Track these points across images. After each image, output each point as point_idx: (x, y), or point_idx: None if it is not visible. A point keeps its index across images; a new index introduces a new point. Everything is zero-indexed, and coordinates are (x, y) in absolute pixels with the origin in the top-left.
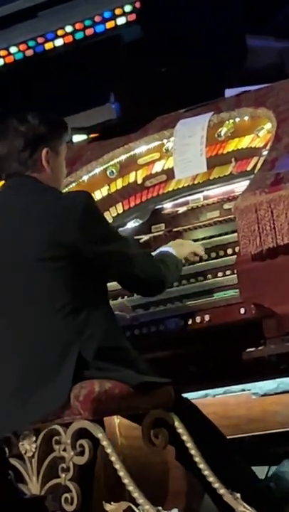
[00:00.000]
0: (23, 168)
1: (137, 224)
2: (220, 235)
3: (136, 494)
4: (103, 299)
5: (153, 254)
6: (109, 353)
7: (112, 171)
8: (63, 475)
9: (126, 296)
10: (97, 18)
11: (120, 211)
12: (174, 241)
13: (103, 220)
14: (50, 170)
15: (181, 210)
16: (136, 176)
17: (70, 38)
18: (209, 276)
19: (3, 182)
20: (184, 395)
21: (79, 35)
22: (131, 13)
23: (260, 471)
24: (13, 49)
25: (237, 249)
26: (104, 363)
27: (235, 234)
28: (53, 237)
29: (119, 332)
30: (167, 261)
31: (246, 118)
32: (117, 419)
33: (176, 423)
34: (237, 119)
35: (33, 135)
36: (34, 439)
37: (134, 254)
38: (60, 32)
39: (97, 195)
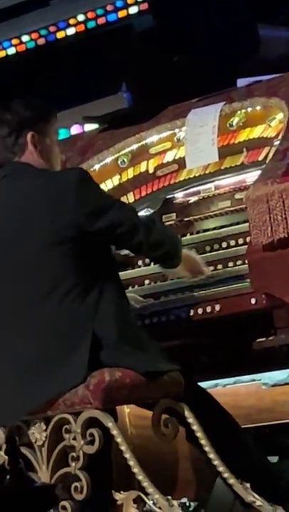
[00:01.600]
0: (10, 154)
1: (148, 213)
2: (231, 224)
3: (146, 483)
4: (111, 280)
5: None
6: (123, 330)
7: (124, 161)
8: (73, 464)
9: (136, 286)
10: (109, 7)
11: (131, 200)
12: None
13: (99, 193)
14: (38, 153)
15: (193, 199)
16: (147, 166)
17: (82, 27)
18: (220, 266)
19: None
20: None
21: (91, 24)
22: (143, 2)
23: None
24: (25, 38)
25: (248, 239)
26: (119, 341)
27: (247, 224)
28: (54, 219)
29: (128, 313)
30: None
31: (258, 108)
32: (127, 409)
33: (186, 412)
34: (249, 109)
35: (17, 121)
36: (44, 427)
37: (137, 219)
38: (72, 21)
39: (109, 184)
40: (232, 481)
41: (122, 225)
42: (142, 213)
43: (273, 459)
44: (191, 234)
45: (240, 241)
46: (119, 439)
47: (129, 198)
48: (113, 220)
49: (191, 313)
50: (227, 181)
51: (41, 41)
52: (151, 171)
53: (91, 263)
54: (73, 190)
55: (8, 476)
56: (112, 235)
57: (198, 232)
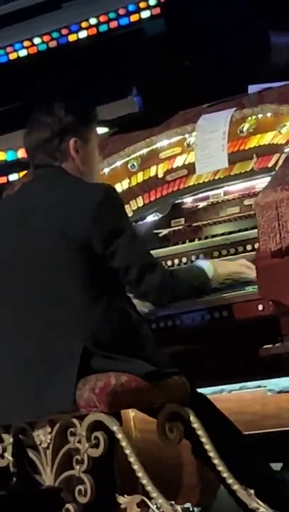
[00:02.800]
0: (51, 159)
1: (156, 218)
2: (239, 230)
3: (149, 488)
4: (119, 291)
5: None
6: (121, 344)
7: (133, 165)
8: (77, 467)
9: None
10: (121, 11)
11: (140, 205)
12: (220, 261)
13: (121, 215)
14: (80, 159)
15: (202, 205)
16: (157, 170)
17: (93, 31)
18: None
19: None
20: (200, 390)
21: (103, 28)
22: (155, 6)
23: (274, 468)
24: (36, 40)
25: (256, 245)
26: (115, 354)
27: (255, 230)
28: (68, 227)
29: (135, 324)
30: (181, 274)
31: (269, 114)
32: (132, 413)
33: (192, 417)
34: (259, 116)
35: (59, 126)
36: (49, 430)
37: (148, 261)
38: (84, 24)
39: (118, 188)
40: (236, 487)
41: (128, 255)
42: (150, 218)
43: (278, 465)
44: (200, 239)
45: (249, 247)
46: (124, 443)
47: (138, 202)
48: (122, 247)
49: (198, 318)
50: (236, 187)
51: (53, 44)
52: (160, 175)
53: (98, 274)
54: (94, 206)
55: (14, 479)
56: (115, 261)
57: (206, 238)
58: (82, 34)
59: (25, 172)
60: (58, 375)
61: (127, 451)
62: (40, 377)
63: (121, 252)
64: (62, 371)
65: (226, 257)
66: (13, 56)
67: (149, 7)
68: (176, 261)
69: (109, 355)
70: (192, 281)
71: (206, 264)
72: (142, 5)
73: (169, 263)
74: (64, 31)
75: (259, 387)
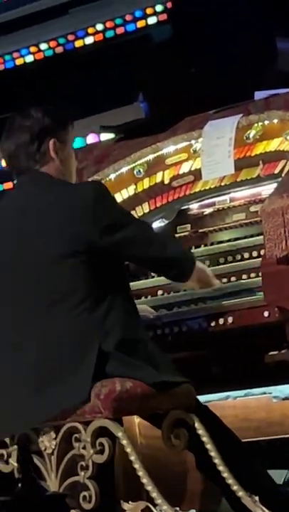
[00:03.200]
0: (32, 162)
1: (162, 224)
2: (245, 237)
3: (154, 494)
4: (122, 293)
5: None
6: (129, 346)
7: (140, 171)
8: (82, 473)
9: (149, 296)
10: (128, 17)
11: (146, 211)
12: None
13: (116, 206)
14: (59, 161)
15: (208, 211)
16: (163, 176)
17: (100, 36)
18: (233, 278)
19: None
20: (205, 397)
21: (109, 34)
22: (162, 12)
23: (279, 475)
24: (43, 46)
25: (262, 252)
26: (124, 356)
27: (261, 237)
28: (69, 232)
29: (138, 326)
30: (176, 244)
31: (275, 121)
32: (136, 419)
33: (197, 424)
34: (266, 122)
35: (38, 128)
36: (54, 436)
37: (152, 235)
38: (90, 30)
39: (124, 194)
40: (241, 493)
41: (135, 241)
42: (156, 224)
43: (283, 472)
44: (206, 245)
45: (255, 254)
46: (128, 449)
47: (144, 209)
48: (127, 236)
49: (204, 324)
50: (242, 194)
51: (59, 49)
52: (166, 181)
53: (102, 276)
54: (90, 204)
55: (19, 484)
56: (125, 251)
57: (212, 244)
58: (89, 40)
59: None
60: (70, 377)
61: (132, 458)
62: (50, 381)
63: (129, 242)
64: (75, 373)
65: (232, 264)
66: (19, 62)
67: (155, 13)
68: None
69: (121, 359)
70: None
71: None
72: (148, 11)
73: None
74: (70, 37)
75: (264, 393)
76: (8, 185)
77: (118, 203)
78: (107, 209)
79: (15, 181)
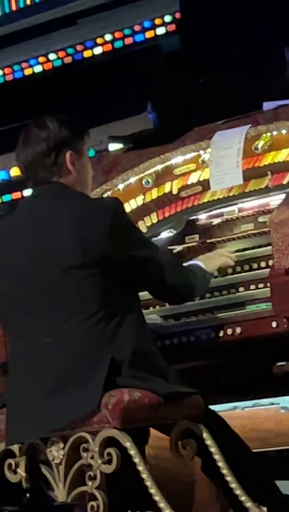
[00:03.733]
0: (48, 174)
1: (171, 234)
2: (254, 247)
3: (162, 504)
4: (135, 305)
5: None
6: (140, 358)
7: (148, 181)
8: (90, 483)
9: (157, 306)
10: (136, 28)
11: (155, 221)
12: (203, 255)
13: (133, 227)
14: (76, 172)
15: (216, 221)
16: (171, 186)
17: (109, 47)
18: (241, 288)
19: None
20: (213, 407)
21: (118, 44)
22: (171, 23)
23: (287, 486)
24: (52, 56)
25: (270, 262)
26: (135, 369)
27: (269, 247)
28: (84, 245)
29: (148, 339)
30: (196, 271)
31: (284, 132)
32: None
33: (205, 434)
34: (274, 133)
35: (54, 140)
36: (62, 445)
37: (164, 261)
38: (99, 40)
39: (132, 204)
40: (249, 504)
41: (146, 262)
42: (165, 234)
43: None
44: None
45: (263, 264)
46: (136, 460)
47: (153, 219)
48: (139, 256)
49: (212, 335)
50: (251, 204)
51: (68, 60)
52: (175, 191)
53: (115, 290)
54: (108, 219)
55: (27, 494)
56: (135, 270)
57: None
58: (98, 50)
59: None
60: (81, 389)
61: (140, 468)
62: (61, 392)
63: (140, 262)
64: (86, 384)
65: (240, 274)
66: (28, 72)
67: (164, 24)
68: None
69: (131, 371)
70: (204, 277)
71: (198, 263)
72: (157, 21)
73: None
74: (79, 47)
75: (272, 404)
76: (17, 195)
77: (134, 224)
78: (124, 226)
79: (30, 192)
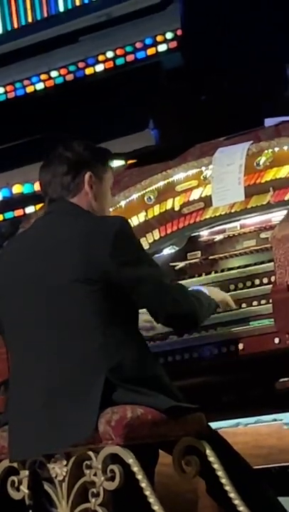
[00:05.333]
0: (65, 192)
1: (173, 251)
2: (256, 264)
3: None
4: (134, 326)
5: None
6: (138, 378)
7: (150, 197)
8: (93, 500)
9: None
10: (138, 45)
11: (157, 237)
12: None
13: (137, 246)
14: (93, 195)
15: (218, 238)
16: (173, 203)
17: (110, 64)
18: (244, 304)
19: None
20: (216, 423)
21: (120, 61)
22: (172, 40)
23: None
24: (53, 73)
25: (272, 278)
26: (134, 386)
27: (271, 263)
28: (87, 261)
29: (150, 358)
30: (200, 297)
31: (285, 148)
32: None
33: (208, 451)
34: (276, 149)
35: (76, 160)
36: (65, 463)
37: (167, 284)
38: (100, 57)
39: (134, 221)
40: None
41: (147, 283)
42: (167, 250)
43: None
44: (216, 272)
45: (265, 280)
46: (140, 476)
47: (155, 235)
48: (141, 275)
49: (215, 351)
50: (253, 220)
51: (70, 77)
52: (177, 208)
53: (115, 308)
54: (111, 236)
55: (30, 511)
56: (135, 289)
57: (222, 271)
58: (99, 67)
59: (41, 205)
60: (78, 407)
61: (143, 485)
62: (60, 408)
63: (141, 282)
64: (82, 402)
65: (242, 290)
66: (30, 89)
67: (166, 40)
68: None
69: (131, 388)
70: (208, 304)
71: (202, 289)
72: (159, 38)
73: None
74: (81, 64)
75: (275, 420)
76: (19, 212)
77: (140, 244)
78: (128, 244)
79: (32, 209)
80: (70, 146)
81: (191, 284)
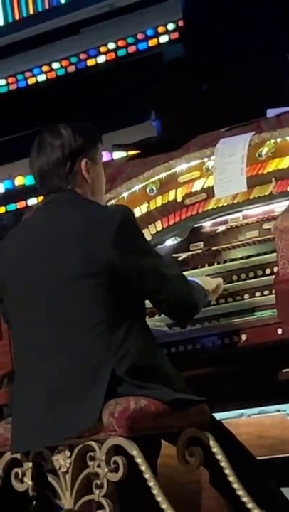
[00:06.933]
0: (64, 183)
1: (175, 242)
2: (258, 254)
3: None
4: (139, 317)
5: None
6: (143, 371)
7: (152, 189)
8: (97, 491)
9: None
10: (139, 36)
11: (159, 229)
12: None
13: (140, 236)
14: (91, 180)
15: (220, 228)
16: (176, 194)
17: (112, 55)
18: (247, 295)
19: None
20: (219, 414)
21: (121, 52)
22: (174, 31)
23: None
24: (55, 65)
25: (275, 269)
26: (139, 379)
27: (274, 254)
28: (89, 252)
29: (155, 349)
30: (199, 289)
31: (288, 138)
32: None
33: (211, 442)
34: (278, 139)
35: (69, 148)
36: (68, 454)
37: (168, 273)
38: (102, 49)
39: (137, 212)
40: (256, 511)
41: (150, 273)
42: (169, 242)
43: None
44: (218, 263)
45: (268, 271)
46: (143, 467)
47: (157, 227)
48: (144, 265)
49: (218, 342)
50: (255, 211)
51: (71, 69)
52: (179, 199)
53: (120, 300)
54: (114, 227)
55: (34, 502)
56: (139, 280)
57: (225, 262)
58: (101, 59)
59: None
60: (83, 398)
61: (147, 476)
62: (64, 401)
63: (144, 272)
64: (88, 393)
65: (245, 281)
66: (31, 81)
67: (167, 32)
68: None
69: (136, 379)
70: (204, 295)
71: (197, 280)
72: (160, 29)
73: None
74: (82, 56)
75: (278, 411)
76: (21, 204)
77: (143, 234)
78: (130, 235)
79: (34, 200)
80: (57, 133)
81: (194, 275)
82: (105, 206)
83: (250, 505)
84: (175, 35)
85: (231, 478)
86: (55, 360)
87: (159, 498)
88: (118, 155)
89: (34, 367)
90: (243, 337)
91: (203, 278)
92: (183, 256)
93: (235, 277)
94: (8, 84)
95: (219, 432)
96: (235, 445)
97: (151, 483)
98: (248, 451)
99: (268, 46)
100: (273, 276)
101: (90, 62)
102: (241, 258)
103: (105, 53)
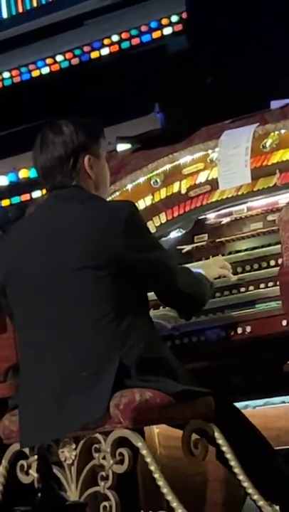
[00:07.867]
0: (68, 179)
1: (179, 234)
2: (263, 246)
3: (174, 504)
4: (144, 309)
5: None
6: (149, 362)
7: (156, 181)
8: (102, 483)
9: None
10: (143, 28)
11: (163, 221)
12: (201, 262)
13: (146, 230)
14: (94, 176)
15: (225, 220)
16: (180, 186)
17: (116, 47)
18: (251, 287)
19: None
20: None
21: (125, 45)
22: (178, 23)
23: None
24: (59, 57)
25: (280, 260)
26: (144, 372)
27: (279, 246)
28: (96, 246)
29: (159, 342)
30: (203, 280)
31: None
32: (156, 429)
33: (216, 433)
34: (282, 131)
35: (72, 145)
36: (74, 446)
37: (175, 267)
38: (106, 41)
39: (141, 204)
40: (261, 503)
41: (156, 266)
42: (173, 234)
43: None
44: (223, 255)
45: (272, 263)
46: (148, 459)
47: (162, 219)
48: (150, 259)
49: (222, 334)
50: (259, 203)
51: (75, 61)
52: (183, 191)
53: (126, 292)
54: (121, 221)
55: (39, 494)
56: (145, 273)
57: (229, 254)
58: (105, 51)
59: None
60: (91, 391)
61: (152, 468)
62: (72, 394)
63: (151, 265)
64: (95, 386)
65: (250, 273)
66: (35, 73)
67: (171, 24)
68: None
69: (141, 372)
70: (210, 287)
71: (200, 271)
72: (164, 22)
73: None
74: (86, 48)
75: (283, 402)
76: (26, 197)
77: (149, 229)
78: (137, 229)
79: (39, 194)
80: (59, 130)
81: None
82: (111, 201)
83: (255, 497)
84: (179, 27)
85: (237, 470)
86: (62, 351)
87: (165, 490)
88: (122, 147)
89: (41, 358)
90: (248, 329)
91: (206, 266)
92: (187, 248)
93: (239, 269)
94: (12, 76)
95: (230, 420)
96: (247, 433)
97: (156, 475)
98: (263, 439)
99: (273, 38)
100: (278, 268)
101: (94, 55)
102: (246, 250)
103: (109, 46)
